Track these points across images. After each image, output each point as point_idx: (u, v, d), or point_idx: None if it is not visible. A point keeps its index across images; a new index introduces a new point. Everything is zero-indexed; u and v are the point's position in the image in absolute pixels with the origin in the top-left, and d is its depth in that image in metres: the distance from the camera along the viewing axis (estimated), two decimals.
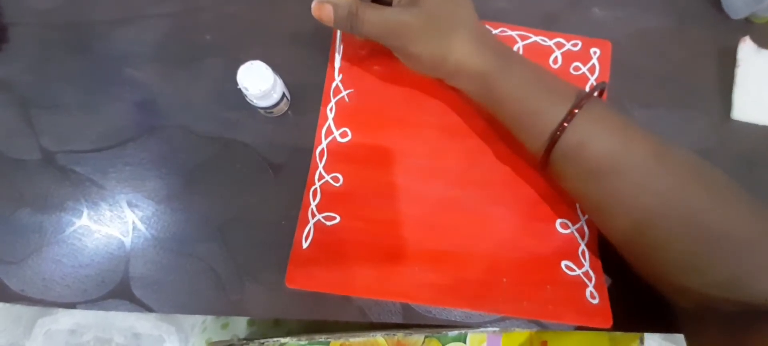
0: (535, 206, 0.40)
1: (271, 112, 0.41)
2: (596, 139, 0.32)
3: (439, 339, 0.42)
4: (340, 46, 0.41)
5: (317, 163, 0.41)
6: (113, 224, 0.40)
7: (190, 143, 0.41)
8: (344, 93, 0.42)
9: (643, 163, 0.31)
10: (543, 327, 0.38)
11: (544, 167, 0.35)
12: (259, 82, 0.37)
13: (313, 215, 0.39)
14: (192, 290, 0.39)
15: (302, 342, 0.44)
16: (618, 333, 0.45)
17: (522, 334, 0.44)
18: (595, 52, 0.43)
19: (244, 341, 0.48)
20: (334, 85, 0.42)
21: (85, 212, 0.40)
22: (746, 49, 0.43)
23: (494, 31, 0.43)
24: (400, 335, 0.43)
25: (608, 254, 0.38)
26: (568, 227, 0.40)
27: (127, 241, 0.40)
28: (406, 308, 0.38)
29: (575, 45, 0.43)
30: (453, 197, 0.40)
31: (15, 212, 0.40)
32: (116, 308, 0.38)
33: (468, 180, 0.40)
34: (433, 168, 0.41)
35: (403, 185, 0.40)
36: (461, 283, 0.38)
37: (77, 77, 0.43)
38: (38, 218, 0.40)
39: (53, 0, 0.44)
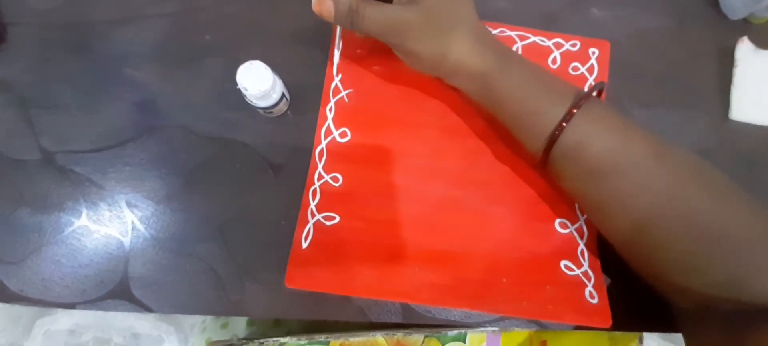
0: (534, 206, 0.40)
1: (271, 112, 0.41)
2: (595, 139, 0.32)
3: (438, 339, 0.42)
4: (339, 43, 0.41)
5: (317, 163, 0.41)
6: (112, 224, 0.40)
7: (189, 143, 0.41)
8: (344, 93, 0.42)
9: (642, 163, 0.31)
10: (542, 327, 0.38)
11: (544, 167, 0.36)
12: (258, 82, 0.37)
13: (313, 215, 0.39)
14: (192, 290, 0.39)
15: (302, 342, 0.44)
16: (617, 333, 0.45)
17: (521, 334, 0.44)
18: (593, 53, 0.43)
19: (244, 341, 0.48)
20: (333, 85, 0.42)
21: (85, 212, 0.40)
22: (744, 49, 0.43)
23: (493, 32, 0.43)
24: (399, 334, 0.43)
25: (607, 253, 0.38)
26: (567, 227, 0.40)
27: (127, 241, 0.40)
28: (405, 308, 0.38)
29: (574, 45, 0.43)
30: (453, 197, 0.40)
31: (14, 212, 0.40)
32: (115, 309, 0.38)
33: (468, 180, 0.40)
34: (433, 168, 0.41)
35: (402, 185, 0.40)
36: (461, 283, 0.38)
37: (77, 77, 0.43)
38: (38, 218, 0.40)
39: (53, 0, 0.44)
